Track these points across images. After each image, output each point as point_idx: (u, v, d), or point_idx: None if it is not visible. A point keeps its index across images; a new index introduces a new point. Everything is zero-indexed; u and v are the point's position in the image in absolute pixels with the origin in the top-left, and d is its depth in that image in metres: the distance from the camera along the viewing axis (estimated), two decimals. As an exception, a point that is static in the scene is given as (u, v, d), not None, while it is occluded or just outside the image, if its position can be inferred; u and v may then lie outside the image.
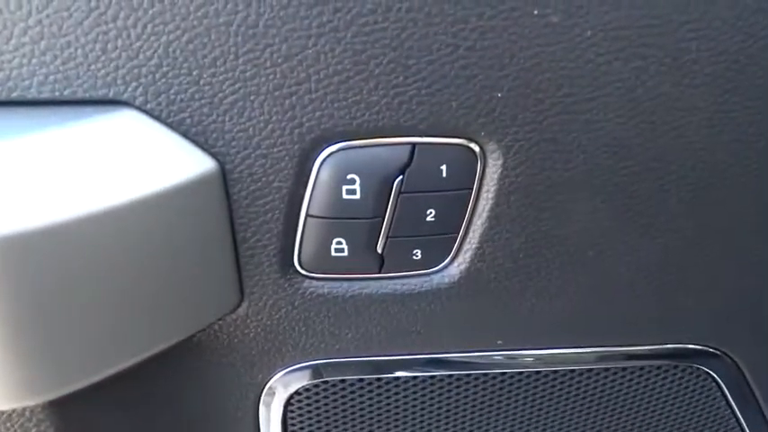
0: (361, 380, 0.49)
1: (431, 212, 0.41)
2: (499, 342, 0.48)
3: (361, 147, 0.38)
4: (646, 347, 0.50)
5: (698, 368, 0.53)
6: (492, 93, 0.37)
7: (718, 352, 0.52)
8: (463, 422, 0.53)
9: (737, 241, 0.46)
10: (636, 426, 0.57)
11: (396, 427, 0.52)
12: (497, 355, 0.49)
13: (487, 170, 0.40)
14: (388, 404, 0.51)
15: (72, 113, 0.35)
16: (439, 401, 0.51)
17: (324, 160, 0.38)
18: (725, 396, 0.55)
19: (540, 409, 0.54)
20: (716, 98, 0.39)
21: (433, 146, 0.39)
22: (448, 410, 0.52)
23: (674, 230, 0.44)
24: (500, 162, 0.40)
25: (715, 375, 0.53)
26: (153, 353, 0.38)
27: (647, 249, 0.45)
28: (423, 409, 0.52)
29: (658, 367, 0.53)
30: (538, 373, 0.51)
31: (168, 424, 0.49)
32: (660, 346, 0.51)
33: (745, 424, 0.58)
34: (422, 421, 0.52)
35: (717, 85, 0.39)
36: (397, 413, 0.51)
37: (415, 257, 0.42)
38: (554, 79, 0.37)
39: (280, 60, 0.35)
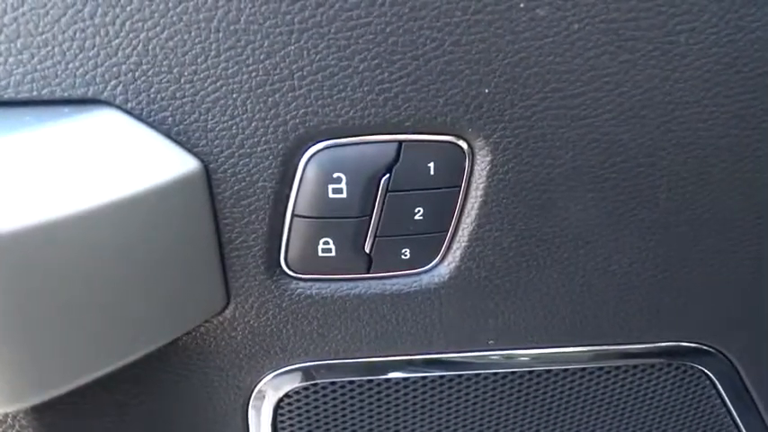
0: (352, 382, 0.49)
1: (419, 211, 0.40)
2: (491, 342, 0.47)
3: (346, 145, 0.38)
4: (639, 346, 0.50)
5: (692, 366, 0.53)
6: (479, 88, 0.37)
7: (711, 349, 0.51)
8: (456, 423, 0.52)
9: (730, 238, 0.45)
10: (631, 424, 0.56)
11: (388, 428, 0.52)
12: (490, 355, 0.48)
13: (476, 167, 0.40)
14: (380, 406, 0.50)
15: (51, 113, 0.34)
16: (431, 402, 0.51)
17: (309, 159, 0.37)
18: (719, 393, 0.55)
19: (533, 409, 0.53)
20: (706, 92, 0.39)
21: (420, 143, 0.38)
22: (440, 411, 0.51)
23: (666, 227, 0.44)
24: (488, 159, 0.39)
25: (709, 373, 0.53)
26: (137, 356, 0.37)
27: (638, 246, 0.44)
28: (415, 410, 0.51)
29: (652, 365, 0.52)
30: (531, 372, 0.50)
31: (155, 429, 0.48)
32: (654, 344, 0.50)
33: (740, 421, 0.57)
34: (414, 423, 0.52)
35: (706, 78, 0.38)
36: (388, 415, 0.51)
37: (403, 257, 0.42)
38: (542, 74, 0.37)
39: (262, 57, 0.34)
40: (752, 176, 0.43)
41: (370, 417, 0.51)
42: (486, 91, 0.37)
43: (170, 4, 0.33)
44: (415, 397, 0.50)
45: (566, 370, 0.51)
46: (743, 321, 0.51)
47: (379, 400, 0.50)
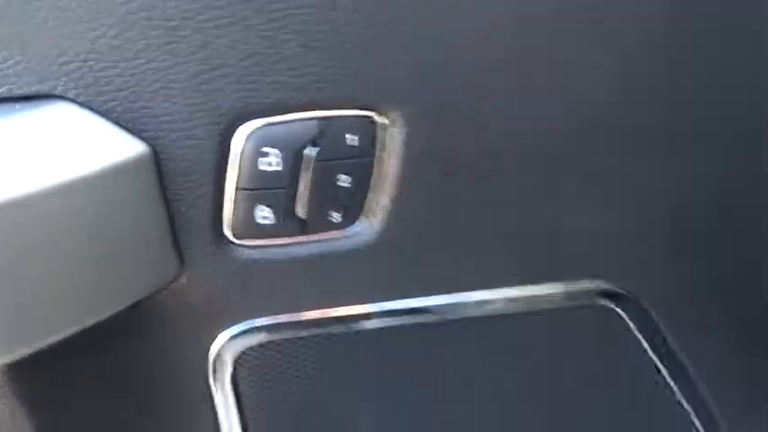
0: (301, 338, 0.54)
1: (343, 178, 0.45)
2: (420, 291, 0.53)
3: (276, 123, 0.43)
4: (554, 289, 0.55)
5: (606, 307, 0.58)
6: (392, 67, 0.42)
7: (623, 291, 0.57)
8: (396, 373, 0.58)
9: (643, 186, 0.52)
10: (551, 364, 0.61)
11: (338, 379, 0.57)
12: (423, 304, 0.54)
13: (393, 138, 0.45)
14: (328, 358, 0.55)
15: (6, 108, 0.38)
16: (373, 353, 0.56)
17: (244, 137, 0.43)
18: (634, 335, 0.60)
19: (467, 357, 0.58)
20: (621, 57, 0.44)
21: (342, 118, 0.44)
22: (383, 361, 0.57)
23: (583, 185, 0.50)
24: (404, 130, 0.44)
25: (623, 314, 0.58)
26: (97, 320, 0.42)
27: (556, 202, 0.50)
28: (359, 361, 0.56)
29: (572, 308, 0.57)
30: (466, 319, 0.55)
31: (119, 393, 0.53)
32: (569, 286, 0.55)
33: (657, 361, 0.62)
34: (357, 372, 0.57)
35: (622, 43, 0.44)
36: (338, 366, 0.56)
37: (334, 220, 0.47)
38: (449, 50, 0.42)
39: (196, 49, 0.40)
40: (663, 129, 0.49)
41: (321, 369, 0.56)
42: (400, 70, 0.42)
43: (114, 5, 0.38)
44: (357, 348, 0.55)
45: (493, 317, 0.56)
46: (652, 263, 0.57)
47: (327, 353, 0.55)
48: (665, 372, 0.63)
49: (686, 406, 0.65)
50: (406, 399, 0.59)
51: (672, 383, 0.63)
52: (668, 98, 0.48)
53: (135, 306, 0.44)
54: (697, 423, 0.65)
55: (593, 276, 0.56)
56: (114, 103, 0.40)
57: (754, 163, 0.54)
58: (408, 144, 0.45)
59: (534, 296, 0.55)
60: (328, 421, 0.59)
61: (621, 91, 0.47)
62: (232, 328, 0.51)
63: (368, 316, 0.53)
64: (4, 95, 0.39)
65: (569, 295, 0.56)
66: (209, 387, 0.54)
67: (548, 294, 0.55)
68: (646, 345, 0.61)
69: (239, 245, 0.47)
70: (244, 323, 0.51)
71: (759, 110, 0.51)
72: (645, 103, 0.48)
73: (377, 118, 0.44)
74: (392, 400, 0.59)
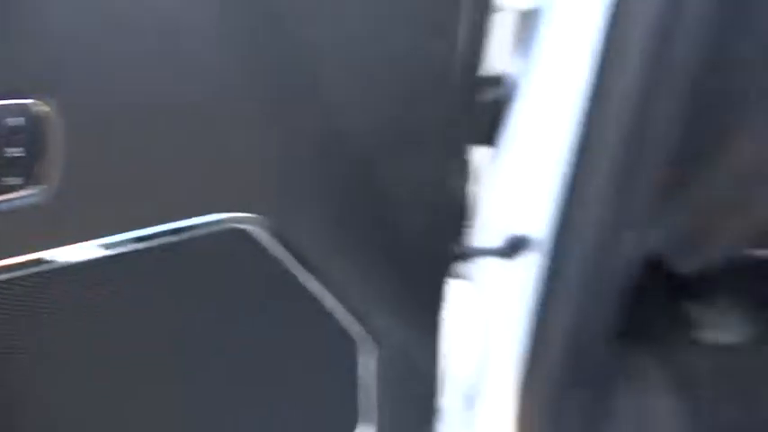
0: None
1: (16, 150, 0.56)
2: (90, 235, 0.62)
3: None
4: (198, 221, 0.65)
5: (241, 231, 0.66)
6: (53, 66, 0.55)
7: (255, 216, 0.67)
8: (84, 308, 0.66)
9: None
10: (209, 295, 0.69)
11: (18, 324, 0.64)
12: (97, 244, 0.63)
13: (54, 120, 0.57)
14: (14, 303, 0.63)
15: None
16: (61, 292, 0.64)
17: None
18: (270, 255, 0.68)
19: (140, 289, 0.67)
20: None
21: (13, 105, 0.55)
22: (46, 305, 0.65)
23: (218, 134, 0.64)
24: (59, 112, 0.56)
25: (257, 239, 0.66)
26: None
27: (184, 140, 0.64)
28: (32, 305, 0.64)
29: (208, 235, 0.67)
30: (130, 253, 0.64)
31: None
32: (209, 218, 0.66)
33: (299, 279, 0.72)
34: (36, 315, 0.64)
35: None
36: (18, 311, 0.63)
37: (11, 184, 0.56)
38: (87, 46, 0.56)
39: None
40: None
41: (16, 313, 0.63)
42: (58, 64, 0.55)
43: None
44: (30, 293, 0.63)
45: (141, 251, 0.65)
46: (279, 187, 0.68)
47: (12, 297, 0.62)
48: (309, 287, 0.72)
49: (338, 321, 0.76)
50: (95, 333, 0.69)
51: (320, 299, 0.74)
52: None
53: None
54: (348, 331, 0.78)
55: (231, 208, 0.67)
56: None
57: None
58: (66, 121, 0.57)
59: (181, 228, 0.66)
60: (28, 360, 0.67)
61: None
62: None
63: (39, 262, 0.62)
64: None
65: (210, 225, 0.67)
66: None
67: (193, 226, 0.66)
68: (283, 263, 0.70)
69: None
70: None
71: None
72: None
73: (34, 105, 0.55)
74: (87, 336, 0.69)
